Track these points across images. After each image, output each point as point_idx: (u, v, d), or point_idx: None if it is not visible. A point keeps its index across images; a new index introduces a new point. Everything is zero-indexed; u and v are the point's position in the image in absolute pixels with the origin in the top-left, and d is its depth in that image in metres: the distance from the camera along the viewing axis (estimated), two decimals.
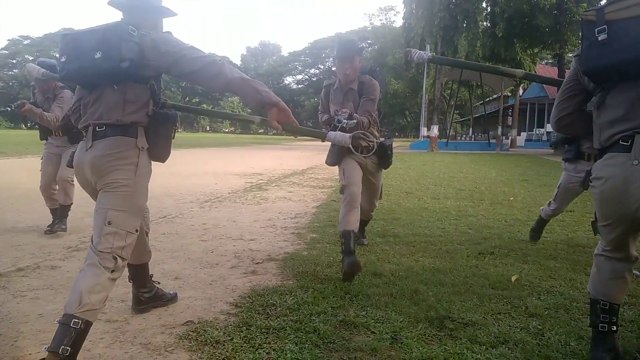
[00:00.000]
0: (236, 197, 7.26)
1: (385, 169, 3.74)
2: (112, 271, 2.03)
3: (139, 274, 2.66)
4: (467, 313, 2.63)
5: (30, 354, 2.12)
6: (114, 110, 2.11)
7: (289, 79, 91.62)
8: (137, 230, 2.15)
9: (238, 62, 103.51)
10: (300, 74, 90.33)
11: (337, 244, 4.16)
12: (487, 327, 2.45)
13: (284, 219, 5.57)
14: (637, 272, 3.16)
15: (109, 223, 2.04)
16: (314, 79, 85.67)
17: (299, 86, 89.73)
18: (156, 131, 2.21)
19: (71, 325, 1.88)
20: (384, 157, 3.58)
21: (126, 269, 2.39)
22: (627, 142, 1.79)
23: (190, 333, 2.34)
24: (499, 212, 6.17)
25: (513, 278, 3.25)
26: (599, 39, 1.75)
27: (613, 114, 1.84)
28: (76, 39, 2.11)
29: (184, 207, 6.22)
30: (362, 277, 3.24)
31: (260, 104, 2.09)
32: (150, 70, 2.12)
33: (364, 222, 4.05)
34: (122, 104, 2.12)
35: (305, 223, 5.29)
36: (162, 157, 2.28)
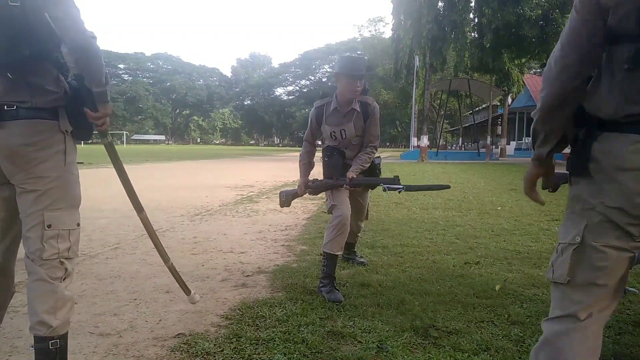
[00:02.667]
0: (227, 210, 7.31)
1: (372, 189, 3.75)
2: (64, 279, 1.87)
3: None
4: (451, 322, 2.71)
5: None
6: (19, 93, 1.78)
7: (279, 90, 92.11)
8: (78, 224, 1.94)
9: (229, 73, 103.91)
10: (290, 85, 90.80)
11: None
12: (470, 335, 2.53)
13: (275, 231, 5.63)
14: (634, 289, 3.24)
15: (49, 226, 1.83)
16: (305, 90, 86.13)
17: (290, 97, 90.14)
18: (77, 107, 1.90)
19: (50, 347, 1.83)
20: (371, 173, 3.57)
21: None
22: None
23: (181, 345, 2.40)
24: (486, 221, 6.28)
25: (497, 287, 3.34)
26: None
27: None
28: None
29: (175, 220, 6.26)
30: (350, 288, 3.31)
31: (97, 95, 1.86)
32: (48, 40, 1.77)
33: (350, 245, 3.98)
34: (29, 88, 1.79)
35: (296, 235, 5.36)
36: (87, 135, 2.00)
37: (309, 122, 3.55)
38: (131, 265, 3.96)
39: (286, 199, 3.72)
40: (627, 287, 3.15)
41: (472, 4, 26.48)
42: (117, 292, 3.27)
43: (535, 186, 1.51)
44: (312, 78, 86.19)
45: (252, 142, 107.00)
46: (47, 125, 1.83)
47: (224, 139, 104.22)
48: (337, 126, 3.39)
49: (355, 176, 3.25)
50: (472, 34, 27.40)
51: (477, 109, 45.49)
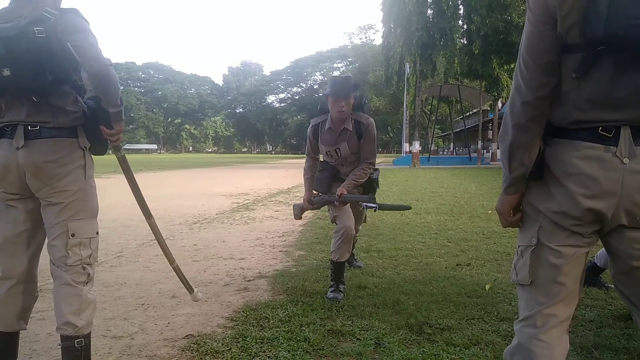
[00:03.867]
0: (224, 218, 7.46)
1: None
2: (87, 283, 2.06)
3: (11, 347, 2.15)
4: (444, 319, 2.88)
5: None
6: (42, 114, 1.95)
7: (271, 98, 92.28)
8: (97, 233, 2.12)
9: (220, 81, 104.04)
10: (282, 92, 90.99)
11: (324, 260, 4.40)
12: (462, 330, 2.70)
13: (272, 237, 5.79)
14: (608, 284, 3.41)
15: (73, 235, 2.01)
16: (297, 97, 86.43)
17: (282, 104, 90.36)
18: (94, 125, 2.07)
19: (75, 346, 2.00)
20: (369, 187, 3.64)
21: None
22: (610, 134, 1.30)
23: (191, 345, 2.55)
24: (477, 225, 6.47)
25: (487, 286, 3.52)
26: None
27: (598, 93, 1.30)
28: None
29: (174, 229, 6.39)
30: (348, 290, 3.48)
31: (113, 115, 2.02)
32: (67, 66, 1.95)
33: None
34: (51, 110, 1.96)
35: (293, 241, 5.51)
36: (103, 150, 2.18)
37: (307, 139, 3.66)
38: (135, 273, 4.10)
39: (298, 212, 3.84)
40: (609, 284, 3.34)
41: (461, 11, 26.92)
42: (125, 298, 3.41)
43: (511, 214, 1.52)
44: (304, 85, 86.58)
45: (245, 149, 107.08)
46: (68, 142, 2.01)
47: (216, 147, 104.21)
48: (331, 145, 3.52)
49: (345, 192, 3.39)
50: (461, 41, 27.80)
51: (468, 114, 45.95)
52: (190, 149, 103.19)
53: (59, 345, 2.04)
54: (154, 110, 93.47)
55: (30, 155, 1.93)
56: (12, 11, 1.91)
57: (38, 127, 1.94)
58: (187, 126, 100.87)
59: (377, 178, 3.71)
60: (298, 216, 3.86)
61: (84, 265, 2.04)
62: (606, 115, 1.31)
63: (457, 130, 50.04)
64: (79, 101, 2.03)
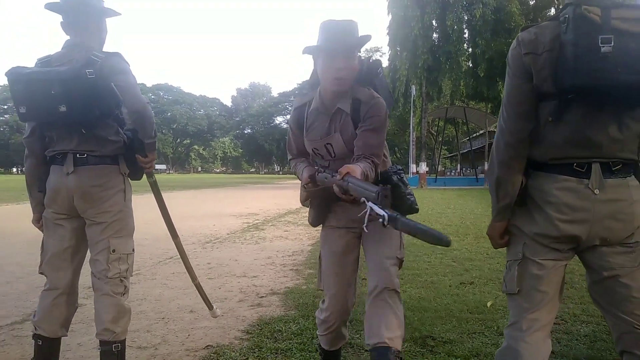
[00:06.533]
0: (235, 237, 7.68)
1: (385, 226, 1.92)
2: (123, 294, 2.28)
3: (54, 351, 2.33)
4: (447, 333, 3.06)
5: None
6: (89, 144, 2.19)
7: (279, 119, 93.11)
8: (133, 250, 2.34)
9: (229, 103, 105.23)
10: (290, 113, 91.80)
11: None
12: (463, 343, 2.88)
13: (282, 256, 5.99)
14: None
15: (114, 251, 2.23)
16: None
17: None
18: (132, 154, 2.30)
19: (113, 350, 2.23)
20: (400, 205, 2.04)
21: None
22: (582, 169, 1.54)
23: (211, 355, 2.75)
24: (482, 245, 6.64)
25: (489, 303, 3.70)
26: (602, 50, 1.38)
27: (571, 133, 1.53)
28: (32, 90, 2.07)
29: (188, 248, 6.59)
30: (356, 306, 3.65)
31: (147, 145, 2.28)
32: (111, 102, 2.19)
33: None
34: (96, 140, 2.20)
35: (302, 260, 5.72)
36: (139, 176, 2.42)
37: (288, 131, 2.37)
38: (154, 289, 4.32)
39: (304, 194, 2.30)
40: None
41: (466, 35, 27.39)
42: (146, 313, 3.62)
43: (502, 238, 1.73)
44: None
45: (253, 170, 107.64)
46: (110, 169, 2.26)
47: (224, 168, 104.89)
48: (319, 140, 2.17)
49: (354, 173, 1.81)
50: (467, 64, 28.21)
51: (474, 135, 46.16)
52: (199, 169, 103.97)
53: (98, 349, 2.25)
54: (163, 131, 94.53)
55: (78, 180, 2.19)
56: (64, 55, 2.18)
57: (85, 155, 2.20)
58: (195, 147, 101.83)
59: (404, 177, 2.18)
60: (304, 200, 2.37)
61: (122, 278, 2.28)
62: (579, 153, 1.56)
63: (464, 151, 50.25)
64: (120, 132, 2.27)
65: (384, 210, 1.50)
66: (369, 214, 1.57)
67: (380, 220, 1.50)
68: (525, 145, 1.62)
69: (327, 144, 2.16)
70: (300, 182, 2.27)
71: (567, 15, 1.46)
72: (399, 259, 2.22)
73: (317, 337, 2.45)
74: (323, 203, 2.26)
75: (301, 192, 2.33)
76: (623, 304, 1.57)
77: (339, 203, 2.16)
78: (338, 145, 2.14)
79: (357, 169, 1.85)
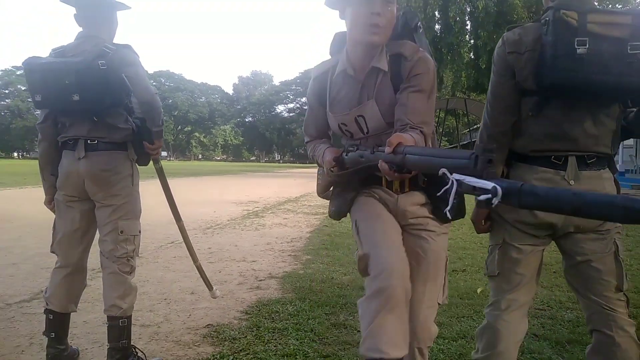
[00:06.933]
0: (235, 224, 7.82)
1: (453, 219, 1.77)
2: (130, 273, 2.43)
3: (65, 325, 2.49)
4: (437, 317, 3.19)
5: (86, 348, 2.67)
6: (99, 131, 2.31)
7: (280, 108, 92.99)
8: (140, 232, 2.48)
9: (230, 90, 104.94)
10: (291, 102, 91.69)
11: (330, 264, 4.75)
12: (452, 326, 3.03)
13: (281, 243, 6.13)
14: None
15: (122, 232, 2.36)
16: (305, 108, 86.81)
17: (291, 114, 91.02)
18: (140, 141, 2.41)
19: (119, 324, 2.37)
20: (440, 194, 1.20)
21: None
22: (560, 161, 1.66)
23: (211, 333, 2.90)
24: (476, 235, 6.75)
25: (479, 290, 3.84)
26: (578, 51, 1.50)
27: (550, 128, 1.66)
28: (46, 79, 2.19)
29: (189, 233, 6.64)
30: (351, 290, 3.81)
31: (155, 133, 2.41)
32: (121, 92, 2.29)
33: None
34: (107, 128, 2.32)
35: (301, 247, 5.86)
36: (146, 161, 2.53)
37: (309, 107, 1.97)
38: (156, 272, 4.47)
39: (323, 184, 1.91)
40: None
41: (468, 27, 27.31)
42: (149, 294, 3.76)
43: (484, 223, 1.85)
44: None
45: (253, 158, 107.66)
46: (120, 155, 2.39)
47: (225, 155, 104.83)
48: (348, 112, 1.75)
49: (407, 141, 1.39)
50: (469, 55, 28.16)
51: (475, 126, 46.15)
52: (200, 156, 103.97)
53: (106, 323, 2.39)
54: (164, 118, 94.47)
55: (89, 165, 2.31)
56: (77, 46, 2.30)
57: (96, 142, 2.33)
58: (196, 134, 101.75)
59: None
60: (323, 190, 1.93)
61: (128, 258, 2.42)
62: (557, 146, 1.69)
63: (464, 142, 50.28)
64: (129, 120, 2.39)
65: (490, 180, 0.98)
66: (455, 193, 1.04)
67: (482, 197, 0.98)
68: (507, 137, 1.75)
69: (359, 116, 1.73)
70: (317, 168, 1.89)
71: (547, 18, 1.58)
72: (440, 305, 1.81)
73: (360, 339, 1.56)
74: (350, 188, 1.81)
75: (319, 181, 1.92)
76: (594, 286, 1.70)
77: (379, 190, 1.75)
78: (373, 116, 1.71)
79: (409, 137, 1.44)
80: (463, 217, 1.82)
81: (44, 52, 2.41)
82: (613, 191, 1.73)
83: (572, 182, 1.66)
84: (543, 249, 1.79)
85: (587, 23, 1.52)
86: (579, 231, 1.70)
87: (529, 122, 1.71)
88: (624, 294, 1.71)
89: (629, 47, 1.51)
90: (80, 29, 2.36)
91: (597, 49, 1.51)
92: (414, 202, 1.75)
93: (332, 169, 1.71)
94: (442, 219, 1.77)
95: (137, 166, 2.51)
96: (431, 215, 1.76)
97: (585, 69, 1.52)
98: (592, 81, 1.53)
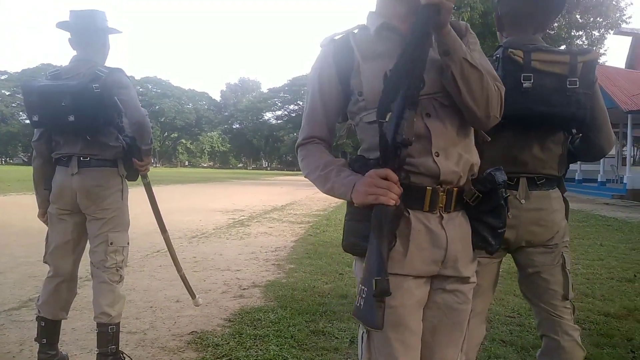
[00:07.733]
0: (221, 233, 7.94)
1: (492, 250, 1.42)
2: (119, 282, 2.56)
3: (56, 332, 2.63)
4: None
5: (75, 354, 2.79)
6: (92, 148, 2.46)
7: (268, 115, 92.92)
8: (128, 243, 2.62)
9: (218, 97, 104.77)
10: (279, 109, 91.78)
11: (312, 273, 4.90)
12: None
13: (266, 252, 6.27)
14: None
15: (111, 243, 2.50)
16: (293, 115, 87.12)
17: (278, 122, 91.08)
18: (129, 158, 2.55)
19: (108, 331, 2.51)
20: (492, 212, 1.35)
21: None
22: (512, 182, 1.82)
23: (195, 339, 3.04)
24: None
25: None
26: (524, 85, 1.70)
27: (503, 151, 1.83)
28: (43, 101, 2.35)
29: (174, 242, 6.78)
30: (331, 298, 3.97)
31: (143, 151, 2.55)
32: (113, 112, 2.46)
33: None
34: (99, 146, 2.47)
35: (285, 256, 6.00)
36: (135, 177, 2.66)
37: (310, 95, 1.44)
38: (142, 280, 4.58)
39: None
40: None
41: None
42: (135, 302, 3.89)
43: None
44: (301, 103, 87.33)
45: (240, 165, 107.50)
46: (110, 171, 2.55)
47: (212, 162, 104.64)
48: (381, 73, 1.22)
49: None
50: None
51: None
52: (186, 163, 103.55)
53: (95, 330, 2.52)
54: (150, 124, 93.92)
55: (82, 180, 2.47)
56: (72, 69, 2.46)
57: (89, 159, 2.49)
58: (183, 141, 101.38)
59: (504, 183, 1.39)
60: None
61: (117, 268, 2.57)
62: (510, 168, 1.88)
63: None
64: (119, 139, 2.55)
65: None
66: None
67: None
68: None
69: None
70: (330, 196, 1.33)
71: (498, 55, 1.77)
72: None
73: None
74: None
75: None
76: (543, 295, 1.89)
77: (417, 222, 1.26)
78: (432, 66, 1.27)
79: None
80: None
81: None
82: (561, 209, 1.92)
83: (523, 201, 1.85)
84: (499, 261, 1.96)
85: (532, 60, 1.72)
86: (530, 245, 1.89)
87: (485, 146, 1.90)
88: (570, 302, 1.90)
89: (568, 82, 1.71)
90: (75, 53, 2.52)
91: (540, 83, 1.71)
92: (462, 237, 1.32)
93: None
94: (489, 250, 1.38)
95: (127, 181, 2.65)
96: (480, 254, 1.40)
97: (530, 101, 1.71)
98: (536, 112, 1.73)
